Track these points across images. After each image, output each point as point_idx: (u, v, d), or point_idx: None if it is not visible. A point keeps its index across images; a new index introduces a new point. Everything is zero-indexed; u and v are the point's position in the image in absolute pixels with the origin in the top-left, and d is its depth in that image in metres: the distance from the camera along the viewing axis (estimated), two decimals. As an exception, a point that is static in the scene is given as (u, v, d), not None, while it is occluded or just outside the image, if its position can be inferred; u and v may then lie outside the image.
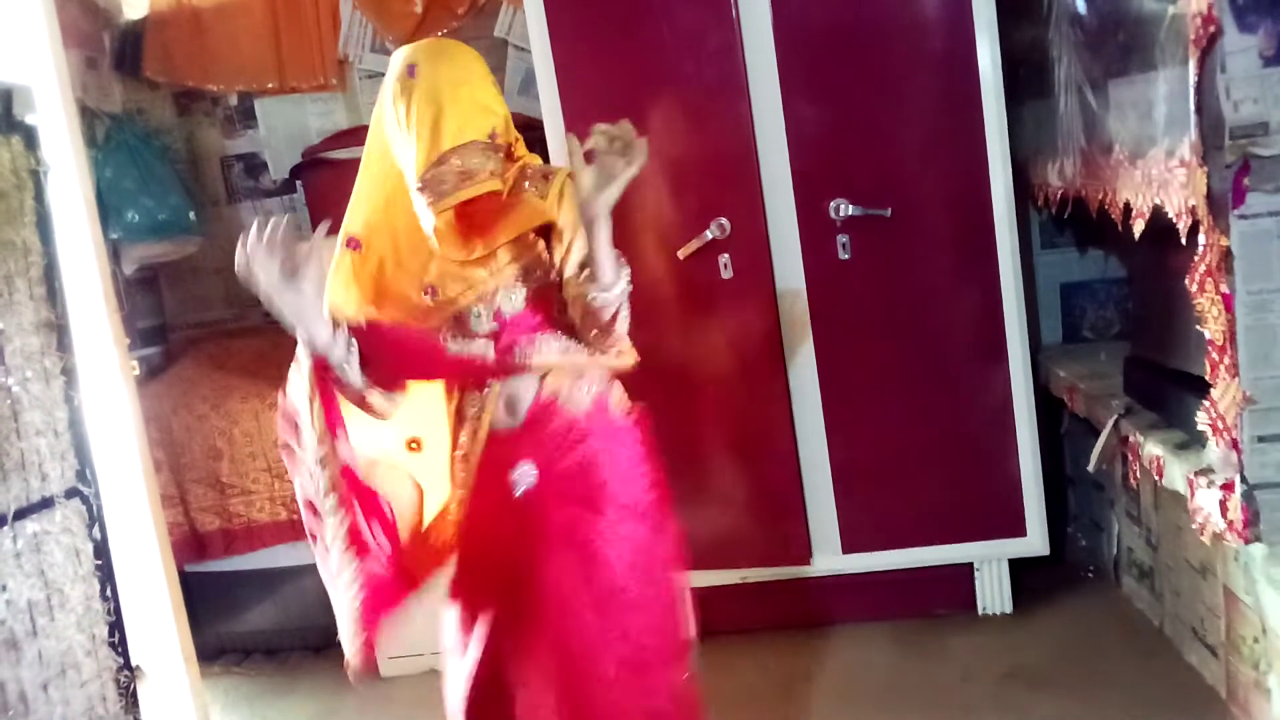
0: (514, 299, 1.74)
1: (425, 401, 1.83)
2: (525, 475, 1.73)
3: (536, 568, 1.70)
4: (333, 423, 1.67)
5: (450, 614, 1.86)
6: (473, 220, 1.70)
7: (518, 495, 1.73)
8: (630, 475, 1.77)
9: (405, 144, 1.65)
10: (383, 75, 3.62)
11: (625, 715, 1.72)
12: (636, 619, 1.73)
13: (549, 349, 1.74)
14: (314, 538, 1.77)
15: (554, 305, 1.76)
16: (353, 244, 1.79)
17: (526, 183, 1.74)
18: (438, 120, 1.61)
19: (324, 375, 1.64)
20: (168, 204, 3.49)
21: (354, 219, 1.81)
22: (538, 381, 1.75)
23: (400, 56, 1.68)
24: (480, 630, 1.78)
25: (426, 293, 1.72)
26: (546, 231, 1.75)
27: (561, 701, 1.69)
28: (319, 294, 1.63)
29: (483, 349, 1.72)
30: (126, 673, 2.21)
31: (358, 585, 1.76)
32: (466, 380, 1.77)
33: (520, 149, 1.80)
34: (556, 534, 1.71)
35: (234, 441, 3.23)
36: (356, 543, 1.72)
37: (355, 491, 1.72)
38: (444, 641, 1.90)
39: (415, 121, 1.62)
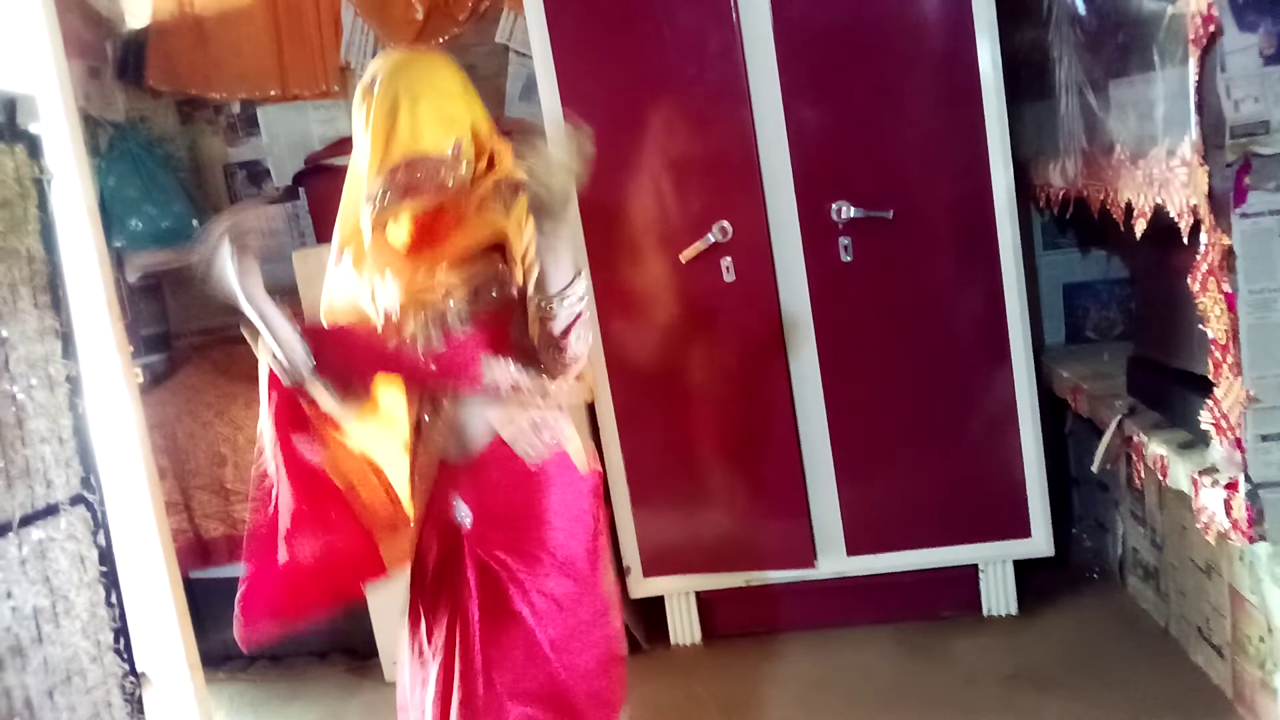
0: (464, 319, 1.68)
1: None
2: (462, 513, 1.73)
3: (460, 604, 1.71)
4: (283, 423, 1.72)
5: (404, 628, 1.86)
6: (432, 235, 1.67)
7: (460, 525, 1.73)
8: (572, 532, 1.72)
9: (361, 157, 1.65)
10: (386, 82, 3.63)
11: None
12: (555, 674, 1.69)
13: (497, 369, 1.69)
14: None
15: (510, 328, 1.71)
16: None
17: (496, 200, 1.68)
18: (390, 133, 1.59)
19: (277, 384, 1.68)
20: (171, 212, 3.50)
21: (342, 229, 1.82)
22: (485, 419, 1.70)
23: (370, 68, 1.67)
24: (434, 646, 1.78)
25: (380, 307, 1.72)
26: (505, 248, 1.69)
27: None
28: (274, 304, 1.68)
29: (427, 350, 1.67)
30: (132, 679, 2.22)
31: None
32: (413, 382, 1.75)
33: (504, 159, 1.71)
34: (478, 583, 1.70)
35: (238, 448, 3.23)
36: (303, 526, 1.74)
37: (314, 483, 1.74)
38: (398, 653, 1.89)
39: (371, 134, 1.61)
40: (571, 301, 1.61)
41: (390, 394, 1.83)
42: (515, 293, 1.70)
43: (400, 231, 1.68)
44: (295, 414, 1.73)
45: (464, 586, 1.71)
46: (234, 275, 1.67)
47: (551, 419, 1.73)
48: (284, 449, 1.73)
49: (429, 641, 1.78)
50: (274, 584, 1.76)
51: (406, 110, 1.60)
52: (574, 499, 1.74)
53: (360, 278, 1.78)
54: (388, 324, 1.71)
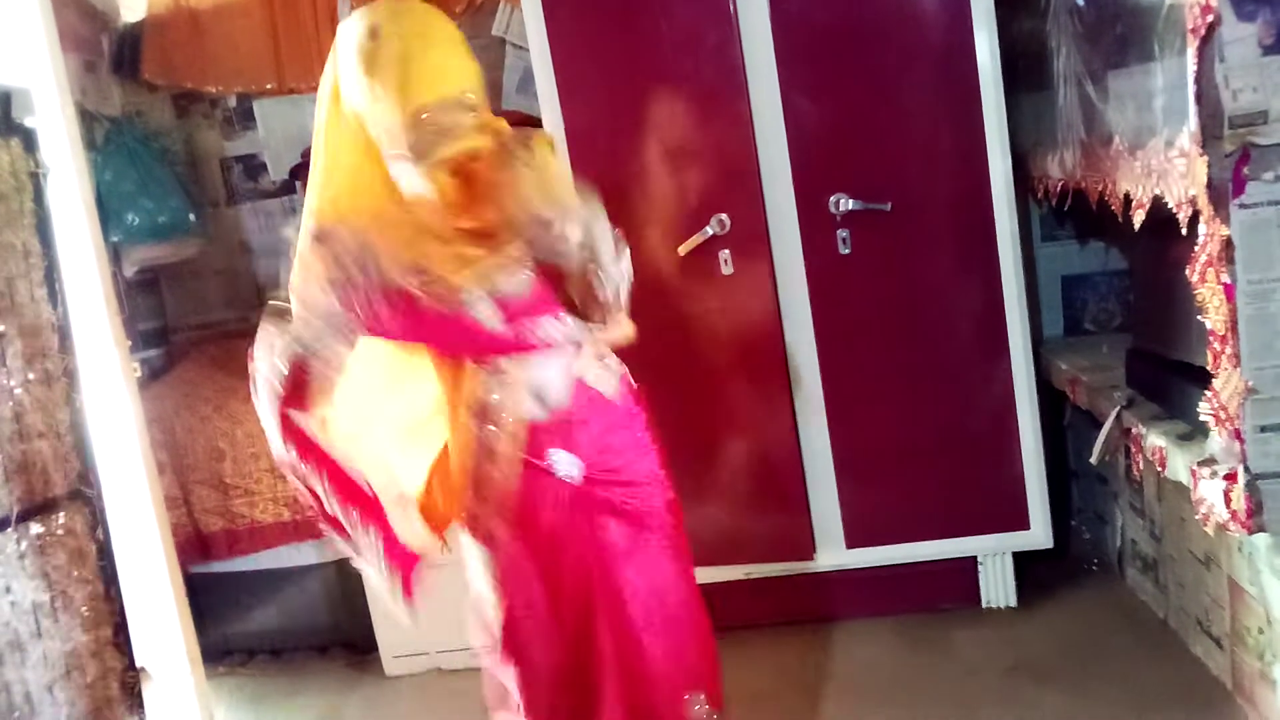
0: (517, 279, 1.65)
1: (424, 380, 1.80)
2: (566, 466, 1.72)
3: (593, 551, 1.75)
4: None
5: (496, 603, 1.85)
6: (470, 187, 1.64)
7: (561, 478, 1.72)
8: (649, 456, 1.81)
9: (377, 112, 1.57)
10: (381, 75, 3.60)
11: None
12: (685, 594, 1.84)
13: (557, 329, 1.70)
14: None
15: (560, 284, 1.72)
16: (322, 238, 1.61)
17: (514, 151, 1.67)
18: (406, 79, 1.54)
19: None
20: (168, 206, 3.49)
21: (321, 210, 1.65)
22: (562, 370, 1.71)
23: (356, 21, 1.60)
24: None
25: (413, 275, 1.58)
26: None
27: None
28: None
29: (492, 317, 1.63)
30: (131, 674, 2.22)
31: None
32: (479, 352, 1.68)
33: (487, 115, 1.68)
34: (603, 524, 1.75)
35: (236, 442, 3.23)
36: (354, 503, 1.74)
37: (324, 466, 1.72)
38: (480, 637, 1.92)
39: (383, 85, 1.55)
40: (622, 269, 1.73)
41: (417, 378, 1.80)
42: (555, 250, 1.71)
43: (434, 184, 1.62)
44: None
45: (591, 533, 1.75)
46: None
47: (609, 358, 1.78)
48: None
49: (559, 596, 1.77)
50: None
51: (418, 54, 1.56)
52: (640, 427, 1.82)
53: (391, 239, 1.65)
54: (448, 293, 1.62)
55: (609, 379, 1.78)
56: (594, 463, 1.74)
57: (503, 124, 1.71)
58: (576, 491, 1.73)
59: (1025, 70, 2.81)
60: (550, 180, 1.69)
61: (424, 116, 1.55)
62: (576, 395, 1.73)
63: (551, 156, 1.74)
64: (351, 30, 1.61)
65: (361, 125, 1.62)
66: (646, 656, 1.78)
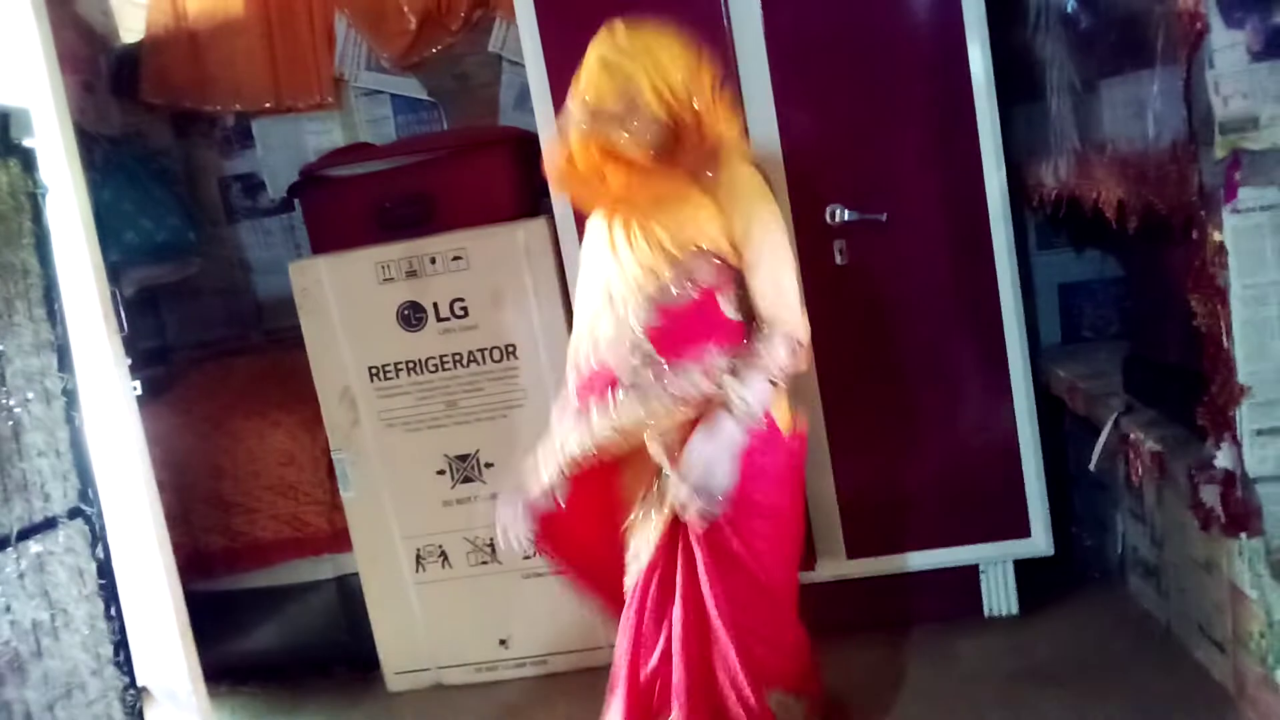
0: (676, 294, 1.85)
1: None
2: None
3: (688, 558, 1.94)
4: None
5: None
6: (620, 182, 1.83)
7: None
8: (778, 484, 1.97)
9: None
10: (378, 93, 3.66)
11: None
12: (768, 610, 2.03)
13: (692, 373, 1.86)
14: None
15: (719, 305, 1.88)
16: None
17: (703, 170, 1.86)
18: (576, 81, 1.86)
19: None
20: (167, 225, 3.50)
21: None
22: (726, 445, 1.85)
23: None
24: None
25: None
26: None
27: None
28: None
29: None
30: (132, 692, 2.21)
31: None
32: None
33: (712, 124, 1.86)
34: (700, 537, 1.92)
35: (237, 460, 3.23)
36: None
37: None
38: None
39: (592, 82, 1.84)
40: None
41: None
42: (728, 271, 1.87)
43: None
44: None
45: (689, 543, 1.93)
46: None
47: (759, 387, 1.85)
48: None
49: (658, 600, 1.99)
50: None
51: (589, 65, 1.85)
52: (779, 457, 1.95)
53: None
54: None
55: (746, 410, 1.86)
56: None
57: (729, 131, 1.90)
58: None
59: (1018, 80, 2.82)
60: (735, 201, 1.85)
61: (578, 107, 1.84)
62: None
63: (743, 175, 1.89)
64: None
65: None
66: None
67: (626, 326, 1.88)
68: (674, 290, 1.85)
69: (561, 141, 1.90)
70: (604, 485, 2.05)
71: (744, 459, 1.84)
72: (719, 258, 1.85)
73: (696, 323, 1.86)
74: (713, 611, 1.94)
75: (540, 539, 1.99)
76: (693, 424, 1.87)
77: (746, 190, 1.86)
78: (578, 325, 2.04)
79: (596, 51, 1.85)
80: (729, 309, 1.89)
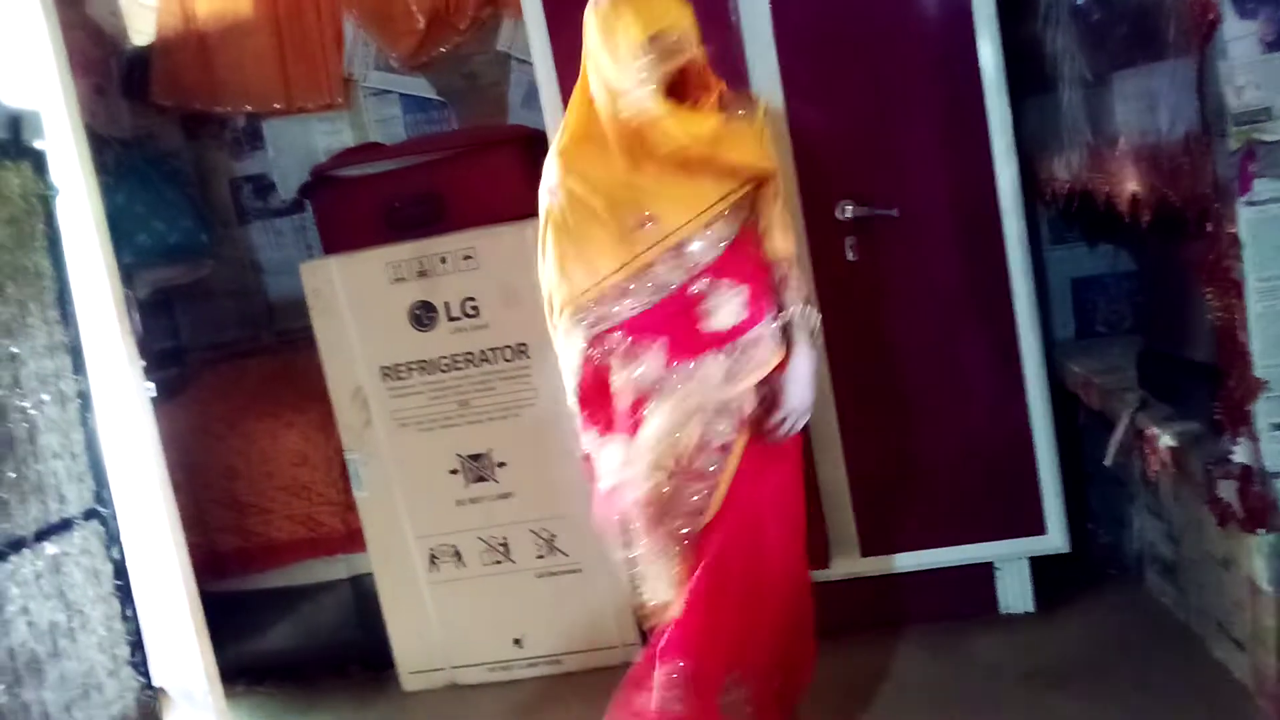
0: (731, 230, 1.98)
1: None
2: None
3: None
4: None
5: None
6: (684, 96, 1.95)
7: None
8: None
9: (609, 57, 1.93)
10: (387, 93, 3.66)
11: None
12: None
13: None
14: None
15: (754, 239, 2.05)
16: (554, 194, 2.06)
17: (734, 109, 1.99)
18: (631, 19, 1.90)
19: None
20: (179, 227, 3.51)
21: (570, 178, 2.04)
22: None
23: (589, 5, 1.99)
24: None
25: (644, 224, 1.94)
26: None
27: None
28: None
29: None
30: (149, 692, 2.22)
31: None
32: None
33: (710, 77, 2.03)
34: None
35: (251, 461, 3.24)
36: None
37: None
38: None
39: (614, 28, 1.92)
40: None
41: None
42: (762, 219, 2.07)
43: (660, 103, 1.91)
44: None
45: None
46: None
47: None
48: None
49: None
50: None
51: (640, 4, 1.91)
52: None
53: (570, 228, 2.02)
54: (655, 246, 1.96)
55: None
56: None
57: (723, 84, 2.04)
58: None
59: (1029, 73, 2.81)
60: (766, 138, 2.04)
61: (649, 43, 1.89)
62: None
63: (766, 120, 2.05)
64: (588, 9, 2.00)
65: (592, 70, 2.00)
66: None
67: (688, 264, 1.97)
68: (731, 226, 1.99)
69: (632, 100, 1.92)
70: None
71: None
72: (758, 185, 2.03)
73: (741, 256, 2.01)
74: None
75: None
76: None
77: (764, 128, 2.05)
78: (563, 291, 2.06)
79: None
80: (756, 244, 2.07)
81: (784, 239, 2.08)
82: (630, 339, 1.97)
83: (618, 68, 1.91)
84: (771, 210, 2.07)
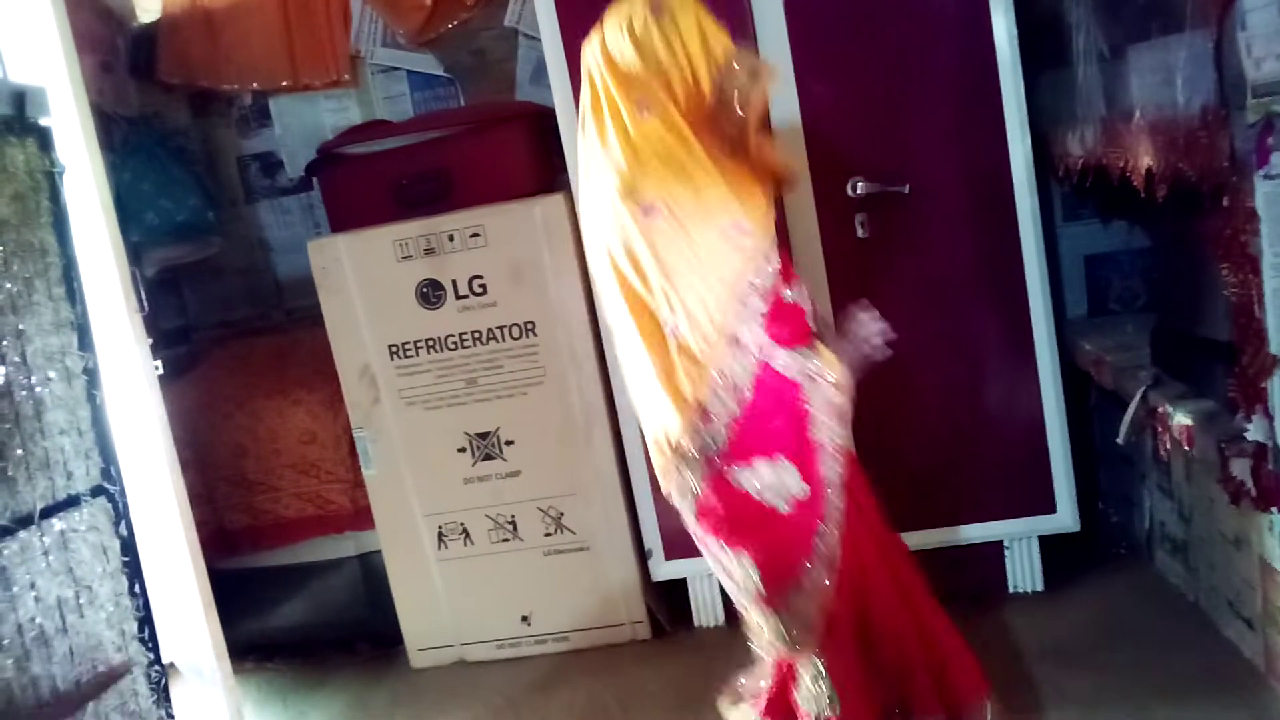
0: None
1: None
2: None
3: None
4: None
5: None
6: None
7: None
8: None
9: (681, 71, 1.83)
10: (395, 70, 3.63)
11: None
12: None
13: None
14: None
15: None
16: (651, 212, 1.83)
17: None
18: (704, 40, 1.83)
19: None
20: (186, 205, 3.51)
21: (640, 187, 1.84)
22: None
23: (632, 5, 1.89)
24: None
25: (738, 230, 1.83)
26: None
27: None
28: None
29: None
30: (157, 669, 2.23)
31: None
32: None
33: None
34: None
35: (259, 439, 3.24)
36: None
37: None
38: None
39: (686, 46, 1.83)
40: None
41: None
42: None
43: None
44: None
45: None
46: None
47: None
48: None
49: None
50: None
51: (707, 18, 1.86)
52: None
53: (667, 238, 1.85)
54: (751, 254, 1.86)
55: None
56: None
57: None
58: None
59: (1044, 47, 2.77)
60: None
61: (730, 65, 1.83)
62: None
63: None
64: (627, 14, 1.90)
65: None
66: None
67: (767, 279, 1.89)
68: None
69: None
70: None
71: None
72: None
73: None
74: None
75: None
76: None
77: None
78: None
79: (697, 15, 1.86)
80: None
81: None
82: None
83: (718, 65, 1.84)
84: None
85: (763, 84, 1.86)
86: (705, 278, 1.83)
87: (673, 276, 1.83)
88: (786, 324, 1.89)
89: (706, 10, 1.89)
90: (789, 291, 1.93)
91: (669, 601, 3.09)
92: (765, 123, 2.02)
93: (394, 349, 2.98)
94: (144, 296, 2.56)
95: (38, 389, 1.99)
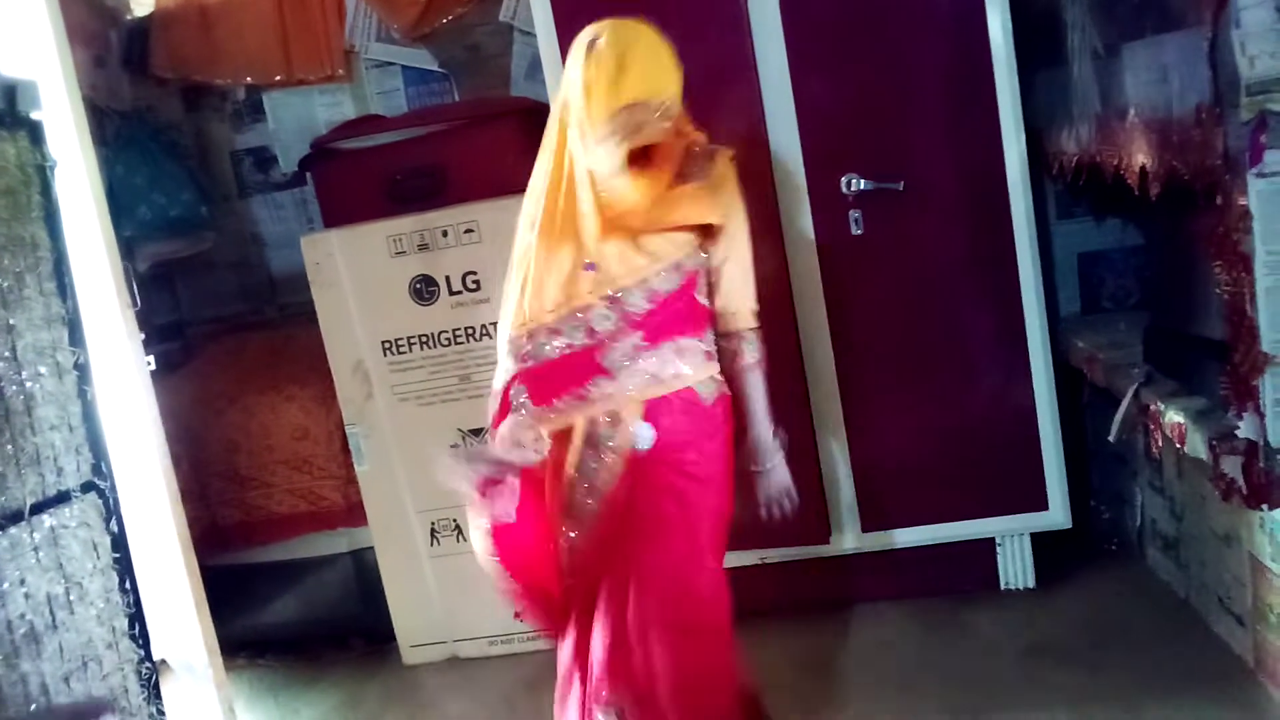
0: (667, 282, 1.92)
1: None
2: (643, 435, 1.94)
3: (644, 505, 1.95)
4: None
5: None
6: (644, 169, 1.88)
7: (639, 449, 1.95)
8: (714, 454, 2.00)
9: (584, 106, 1.82)
10: (389, 65, 3.63)
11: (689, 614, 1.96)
12: (706, 555, 1.99)
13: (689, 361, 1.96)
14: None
15: (698, 293, 1.98)
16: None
17: (694, 165, 1.94)
18: (617, 77, 1.79)
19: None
20: (179, 200, 3.50)
21: (529, 208, 2.03)
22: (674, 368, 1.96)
23: (587, 31, 1.89)
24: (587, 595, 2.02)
25: (587, 267, 1.90)
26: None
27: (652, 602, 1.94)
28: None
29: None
30: (148, 665, 2.22)
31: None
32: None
33: (686, 125, 1.98)
34: (660, 485, 1.95)
35: (251, 435, 3.24)
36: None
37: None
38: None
39: (596, 81, 1.80)
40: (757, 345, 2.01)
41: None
42: (708, 268, 1.98)
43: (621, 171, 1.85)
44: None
45: (647, 494, 1.96)
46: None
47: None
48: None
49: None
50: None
51: (635, 62, 1.80)
52: (716, 433, 2.02)
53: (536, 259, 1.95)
54: (593, 288, 1.91)
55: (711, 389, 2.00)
56: (668, 444, 1.95)
57: (698, 135, 2.00)
58: (644, 460, 1.96)
59: (1039, 45, 2.77)
60: (719, 193, 1.94)
61: (624, 111, 1.79)
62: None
63: (730, 172, 1.97)
64: (579, 41, 1.88)
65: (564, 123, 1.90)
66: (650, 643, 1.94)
67: (621, 311, 1.92)
68: (672, 279, 1.93)
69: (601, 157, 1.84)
70: (537, 494, 2.07)
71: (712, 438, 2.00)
72: (701, 247, 1.96)
73: (680, 307, 1.95)
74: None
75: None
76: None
77: (731, 186, 1.97)
78: (514, 315, 1.99)
79: (628, 48, 1.82)
80: (701, 296, 1.99)
81: (737, 301, 1.99)
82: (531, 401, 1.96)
83: (590, 119, 1.81)
84: (722, 266, 1.97)
85: (641, 138, 1.82)
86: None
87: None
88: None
89: (658, 52, 1.84)
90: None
91: (662, 598, 3.09)
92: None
93: (387, 345, 2.97)
94: (136, 291, 2.56)
95: (28, 384, 1.98)
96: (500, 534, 2.00)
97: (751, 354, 2.02)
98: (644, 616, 1.92)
